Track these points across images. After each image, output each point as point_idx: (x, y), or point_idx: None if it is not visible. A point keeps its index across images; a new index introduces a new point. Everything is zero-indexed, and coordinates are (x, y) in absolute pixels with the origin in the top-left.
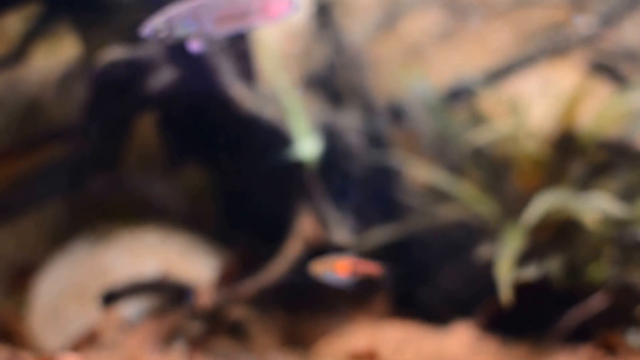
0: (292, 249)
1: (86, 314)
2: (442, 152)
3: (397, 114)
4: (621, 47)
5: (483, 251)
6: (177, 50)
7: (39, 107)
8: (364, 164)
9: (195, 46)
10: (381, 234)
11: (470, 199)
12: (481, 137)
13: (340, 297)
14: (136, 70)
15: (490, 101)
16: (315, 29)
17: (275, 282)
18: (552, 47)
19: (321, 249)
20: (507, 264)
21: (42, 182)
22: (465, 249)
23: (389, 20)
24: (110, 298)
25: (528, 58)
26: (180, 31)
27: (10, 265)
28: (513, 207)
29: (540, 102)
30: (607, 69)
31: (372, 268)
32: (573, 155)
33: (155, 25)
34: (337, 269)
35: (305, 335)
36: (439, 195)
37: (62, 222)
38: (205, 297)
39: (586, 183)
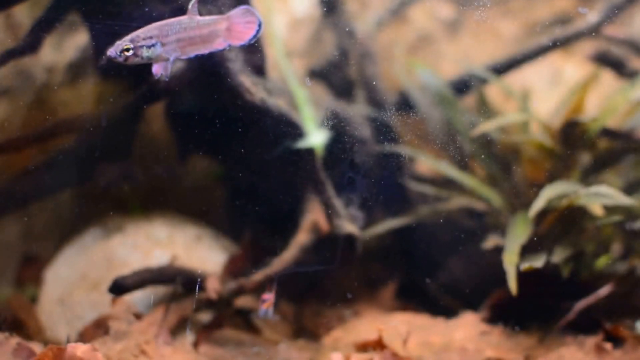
0: (300, 240)
1: (95, 306)
2: (450, 141)
3: (405, 103)
4: (630, 39)
5: (490, 241)
6: None
7: (49, 97)
8: (372, 154)
9: (157, 69)
10: (387, 225)
11: (477, 189)
12: (490, 125)
13: (349, 289)
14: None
15: (498, 91)
16: (324, 17)
17: (283, 273)
18: (560, 39)
19: (330, 239)
20: (514, 254)
21: (52, 172)
22: (472, 240)
23: (398, 8)
24: (120, 288)
25: (536, 49)
26: (145, 52)
27: (20, 256)
28: (521, 197)
29: (547, 92)
30: (615, 62)
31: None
32: (580, 145)
33: (120, 46)
34: None
35: (313, 326)
36: (447, 185)
37: (71, 214)
38: (213, 288)
39: (593, 173)
